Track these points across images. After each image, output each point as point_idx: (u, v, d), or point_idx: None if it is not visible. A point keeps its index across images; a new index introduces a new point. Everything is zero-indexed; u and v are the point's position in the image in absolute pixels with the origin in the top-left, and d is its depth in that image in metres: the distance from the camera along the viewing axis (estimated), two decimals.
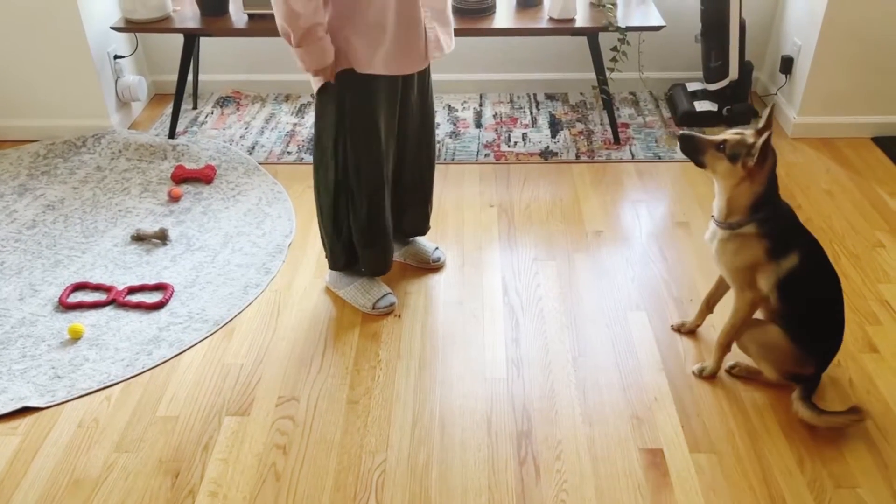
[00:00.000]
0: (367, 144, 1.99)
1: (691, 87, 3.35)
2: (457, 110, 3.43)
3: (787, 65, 3.17)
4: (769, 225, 1.78)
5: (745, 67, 3.14)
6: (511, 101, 3.52)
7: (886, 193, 2.77)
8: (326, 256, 2.26)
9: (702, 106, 3.22)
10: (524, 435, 1.85)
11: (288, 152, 3.10)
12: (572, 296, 2.31)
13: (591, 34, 2.94)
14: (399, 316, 2.24)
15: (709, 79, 3.21)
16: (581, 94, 3.55)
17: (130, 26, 2.97)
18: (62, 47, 3.03)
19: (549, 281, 2.37)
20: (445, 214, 2.70)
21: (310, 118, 3.38)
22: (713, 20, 3.06)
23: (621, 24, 2.90)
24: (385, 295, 2.25)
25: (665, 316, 2.22)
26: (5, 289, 2.33)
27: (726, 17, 3.00)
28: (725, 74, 3.14)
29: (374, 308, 2.22)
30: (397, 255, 2.43)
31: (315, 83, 1.95)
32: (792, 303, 1.81)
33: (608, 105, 3.09)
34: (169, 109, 3.37)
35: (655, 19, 2.96)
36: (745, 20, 3.05)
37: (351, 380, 2.02)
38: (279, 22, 1.79)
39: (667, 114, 3.36)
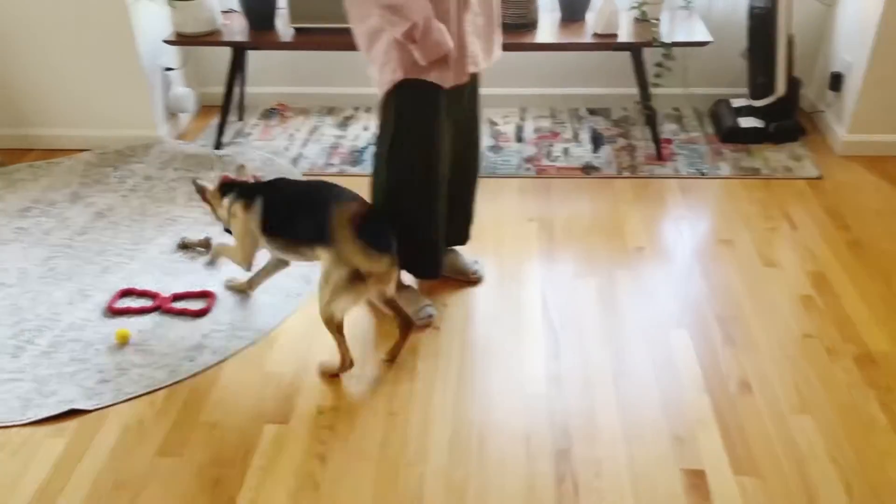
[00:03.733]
0: (425, 152, 2.03)
1: (736, 103, 3.30)
2: (498, 124, 3.44)
3: (836, 81, 3.11)
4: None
5: (793, 84, 3.09)
6: (552, 115, 3.51)
7: None
8: None
9: (747, 122, 3.18)
10: (563, 453, 1.84)
11: (331, 164, 3.14)
12: (613, 312, 2.29)
13: (634, 49, 2.93)
14: (438, 328, 2.24)
15: (755, 95, 3.16)
16: (623, 109, 3.53)
17: (181, 39, 3.05)
18: (115, 60, 3.12)
19: (589, 297, 2.36)
20: (485, 228, 2.70)
21: (352, 131, 3.41)
22: (760, 35, 3.02)
23: (666, 39, 2.88)
24: (425, 306, 2.26)
25: (708, 334, 2.19)
26: (56, 293, 2.40)
27: (773, 32, 2.96)
28: (772, 91, 3.09)
29: (414, 319, 2.22)
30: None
31: (381, 89, 2.00)
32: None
33: (651, 121, 3.06)
34: (216, 121, 3.44)
35: (701, 34, 2.93)
36: (793, 35, 3.00)
37: (389, 391, 2.03)
38: (399, 21, 1.82)
39: (711, 130, 3.32)
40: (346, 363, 2.06)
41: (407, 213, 2.13)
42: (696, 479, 1.75)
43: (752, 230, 2.65)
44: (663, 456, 1.82)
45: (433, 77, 1.94)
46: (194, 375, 2.09)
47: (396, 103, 2.00)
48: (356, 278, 1.92)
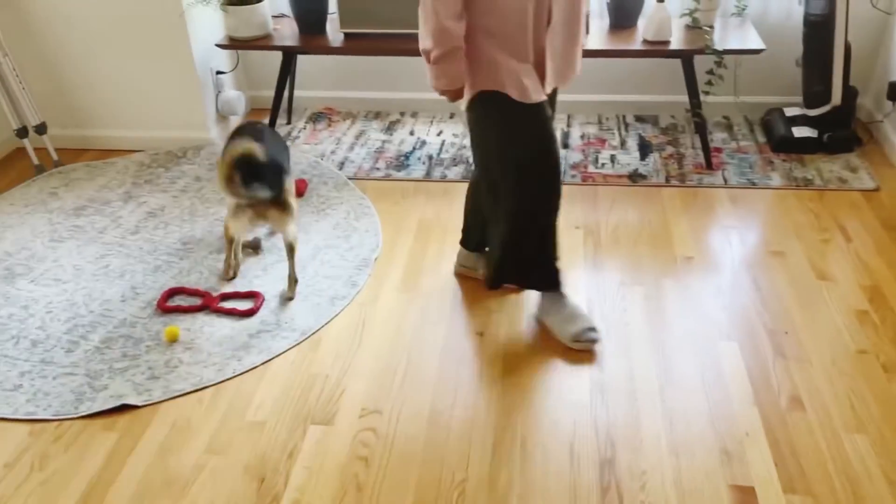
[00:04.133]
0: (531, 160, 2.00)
1: (789, 112, 3.23)
2: None
3: (894, 91, 3.02)
4: None
5: (849, 93, 3.02)
6: (599, 122, 3.48)
7: None
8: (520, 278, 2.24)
9: (800, 132, 3.11)
10: (608, 462, 1.82)
11: (376, 168, 3.16)
12: (660, 322, 2.25)
13: (686, 57, 2.89)
14: (482, 334, 2.24)
15: (809, 104, 3.09)
16: (672, 116, 3.49)
17: (233, 44, 3.10)
18: (170, 64, 3.19)
19: (635, 306, 2.33)
20: None
21: (398, 135, 3.43)
22: (816, 43, 2.95)
23: (718, 46, 2.84)
24: (587, 329, 2.17)
25: (758, 347, 2.14)
26: (109, 290, 2.45)
27: (830, 39, 2.90)
28: (827, 100, 3.02)
29: (575, 341, 2.17)
30: (480, 268, 2.43)
31: (464, 100, 1.97)
32: None
33: (701, 129, 3.02)
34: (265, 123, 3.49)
35: (755, 42, 2.88)
36: (850, 43, 2.93)
37: (433, 396, 2.03)
38: (425, 36, 1.83)
39: (762, 139, 3.26)
40: (228, 272, 2.49)
41: (533, 231, 2.09)
42: (745, 496, 1.71)
43: (805, 242, 2.59)
44: (711, 470, 1.78)
45: (512, 92, 1.88)
46: (241, 374, 2.12)
47: (483, 114, 1.97)
48: (239, 207, 2.28)
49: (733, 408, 1.95)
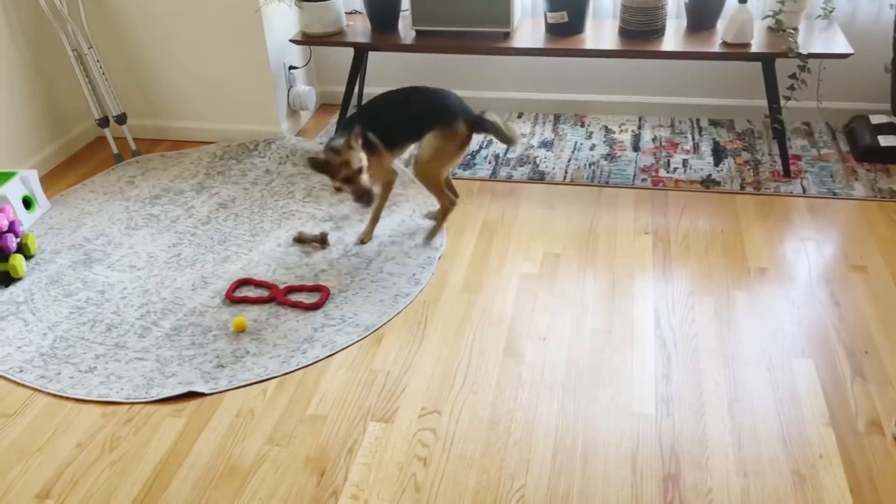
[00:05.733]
0: None
1: (876, 119, 3.09)
2: (614, 132, 3.36)
3: None
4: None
5: None
6: (672, 125, 3.40)
7: None
8: None
9: (887, 141, 2.96)
10: (671, 477, 1.77)
11: None
12: (730, 335, 2.18)
13: (767, 60, 2.78)
14: (545, 338, 2.21)
15: None
16: (748, 121, 3.37)
17: (307, 39, 3.14)
18: (244, 58, 3.25)
19: (705, 317, 2.26)
20: (597, 238, 2.64)
21: None
22: None
23: (802, 50, 2.73)
24: None
25: (835, 366, 2.05)
26: (180, 279, 2.52)
27: None
28: None
29: None
30: None
31: None
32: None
33: (780, 135, 2.91)
34: (334, 119, 3.53)
35: (842, 46, 2.75)
36: None
37: (493, 399, 2.01)
38: None
39: (845, 147, 3.12)
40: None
41: None
42: None
43: (889, 257, 2.46)
44: (781, 493, 1.71)
45: None
46: (304, 367, 2.14)
47: None
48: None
49: (807, 428, 1.87)
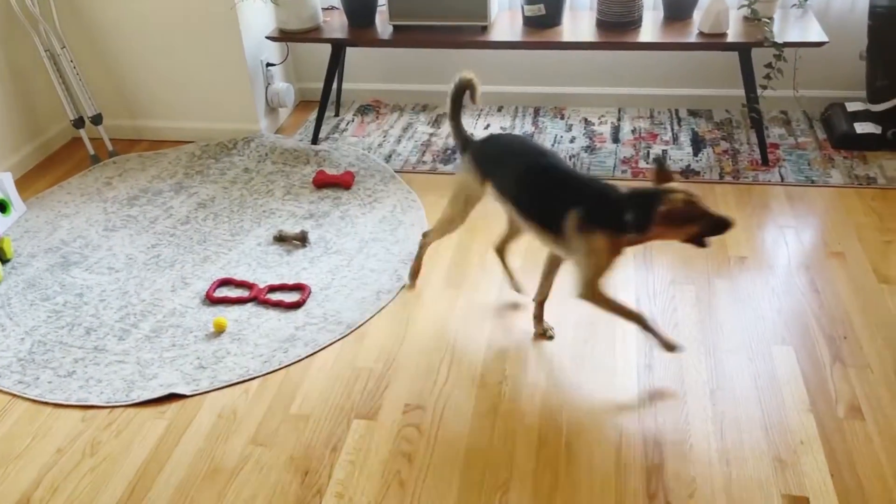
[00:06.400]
0: None
1: (851, 107, 3.11)
2: (594, 124, 3.36)
3: None
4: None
5: None
6: (651, 116, 3.41)
7: None
8: None
9: (863, 128, 2.99)
10: (655, 468, 1.77)
11: (423, 162, 3.14)
12: (711, 323, 2.19)
13: (743, 50, 2.80)
14: (529, 332, 2.21)
15: (873, 99, 2.97)
16: (727, 111, 3.39)
17: (283, 36, 3.11)
18: (221, 56, 3.22)
19: (686, 306, 2.27)
20: None
21: (446, 128, 3.41)
22: (882, 36, 2.83)
23: (778, 39, 2.74)
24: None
25: (815, 352, 2.07)
26: (160, 280, 2.50)
27: (895, 33, 2.78)
28: (892, 95, 2.89)
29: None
30: None
31: None
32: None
33: (757, 124, 2.93)
34: (313, 116, 3.51)
35: (817, 34, 2.77)
36: None
37: (477, 393, 2.01)
38: None
39: (822, 135, 3.14)
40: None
41: None
42: None
43: (867, 243, 2.49)
44: (763, 479, 1.73)
45: None
46: (287, 367, 2.13)
47: None
48: None
49: (788, 414, 1.89)
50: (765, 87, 2.81)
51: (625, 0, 2.82)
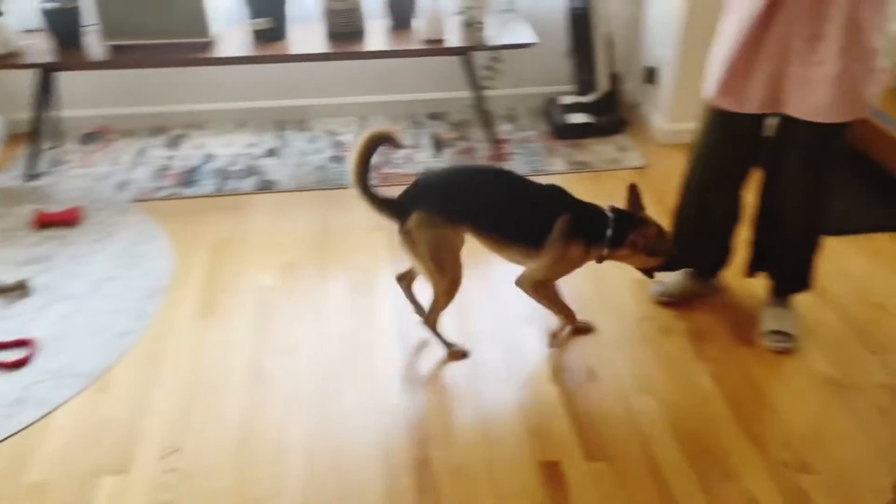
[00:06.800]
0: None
1: (565, 100, 3.44)
2: (339, 134, 3.39)
3: (651, 75, 3.31)
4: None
5: (614, 79, 3.26)
6: (392, 122, 3.50)
7: None
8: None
9: (576, 118, 3.32)
10: (423, 463, 1.82)
11: (162, 188, 2.96)
12: (465, 313, 2.30)
13: (463, 53, 2.97)
14: (289, 351, 2.16)
15: (581, 91, 3.31)
16: (462, 112, 3.58)
17: None
18: None
19: None
20: (333, 241, 2.65)
21: (184, 150, 3.24)
22: (580, 35, 3.16)
23: (493, 42, 2.95)
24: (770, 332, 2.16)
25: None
26: None
27: (592, 31, 3.11)
28: (595, 87, 3.25)
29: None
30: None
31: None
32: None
33: (487, 122, 3.13)
34: (27, 150, 3.15)
35: (526, 36, 3.02)
36: (610, 34, 3.16)
37: (240, 422, 1.93)
38: None
39: (544, 127, 3.44)
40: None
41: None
42: (552, 471, 1.79)
43: None
44: (520, 452, 1.85)
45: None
46: (15, 434, 1.89)
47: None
48: None
49: (537, 388, 2.04)
50: (486, 88, 3.00)
51: (346, 10, 2.87)
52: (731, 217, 2.19)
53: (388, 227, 2.69)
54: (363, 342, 2.20)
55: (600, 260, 2.02)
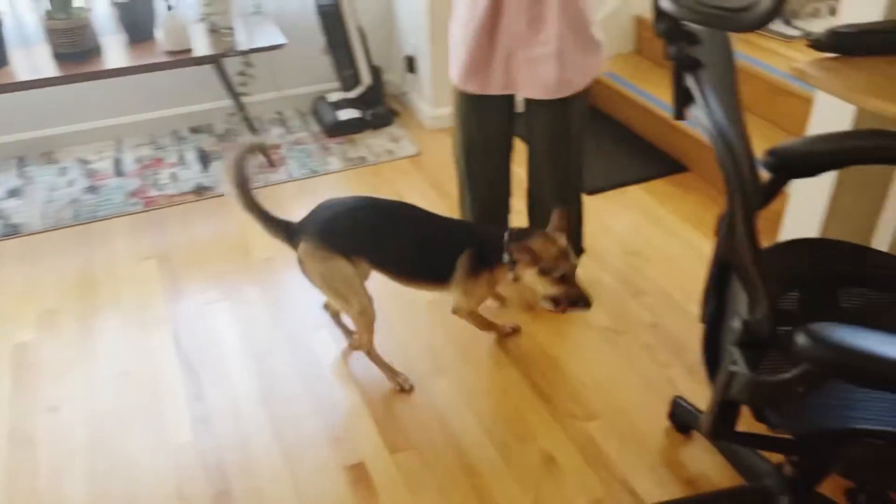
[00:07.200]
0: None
1: (332, 97, 3.41)
2: (92, 162, 3.12)
3: (411, 64, 3.38)
4: None
5: (375, 72, 3.29)
6: (153, 141, 3.29)
7: None
8: None
9: (346, 114, 3.30)
10: (222, 494, 1.72)
11: None
12: (251, 331, 2.21)
13: (214, 62, 2.84)
14: (57, 408, 1.95)
15: (346, 87, 3.30)
16: (227, 122, 3.44)
17: None
18: None
19: (224, 322, 2.25)
20: (98, 279, 2.43)
21: None
22: (333, 30, 3.14)
23: (245, 46, 2.85)
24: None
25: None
26: None
27: (344, 27, 3.10)
28: (359, 81, 3.25)
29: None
30: None
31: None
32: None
33: (252, 129, 3.02)
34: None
35: (276, 38, 2.95)
36: (362, 27, 3.17)
37: (7, 499, 1.71)
38: None
39: (315, 127, 3.39)
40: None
41: None
42: (358, 472, 1.77)
43: None
44: (324, 461, 1.80)
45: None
46: None
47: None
48: None
49: (335, 392, 2.00)
50: (244, 94, 2.90)
51: (71, 29, 2.63)
52: (503, 192, 2.28)
53: (159, 256, 2.54)
54: (143, 381, 2.04)
55: (516, 280, 1.87)
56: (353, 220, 1.89)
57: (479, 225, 2.05)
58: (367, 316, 1.93)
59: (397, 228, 1.90)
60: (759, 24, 0.90)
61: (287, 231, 1.91)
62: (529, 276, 1.83)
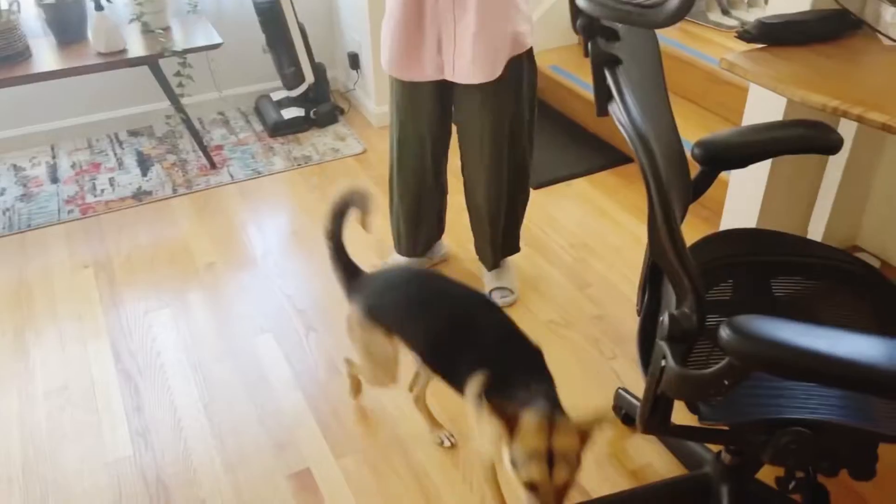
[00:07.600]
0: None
1: (275, 96, 3.36)
2: (25, 169, 3.02)
3: (354, 60, 3.34)
4: None
5: (318, 69, 3.24)
6: (90, 145, 3.19)
7: None
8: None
9: (290, 113, 3.25)
10: None
11: None
12: (194, 339, 2.16)
13: (149, 63, 2.77)
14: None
15: (288, 86, 3.25)
16: (167, 123, 3.35)
17: None
18: None
19: (166, 331, 2.20)
20: (31, 291, 2.36)
21: None
22: (273, 29, 3.08)
23: (180, 46, 2.78)
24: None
25: (291, 330, 2.19)
26: None
27: (284, 24, 3.05)
28: (302, 79, 3.20)
29: None
30: None
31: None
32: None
33: (192, 130, 2.95)
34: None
35: (212, 37, 2.88)
36: (303, 24, 3.12)
37: None
38: None
39: (259, 127, 3.33)
40: None
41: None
42: (303, 479, 1.75)
43: (318, 216, 2.71)
44: (268, 470, 1.77)
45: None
46: None
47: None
48: None
49: (278, 399, 1.97)
50: (181, 95, 2.83)
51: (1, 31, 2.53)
52: (439, 187, 2.25)
53: (96, 264, 2.47)
54: (81, 396, 1.98)
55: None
56: (406, 296, 1.59)
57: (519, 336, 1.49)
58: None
59: (434, 312, 1.54)
60: (670, 20, 0.89)
61: (349, 282, 1.69)
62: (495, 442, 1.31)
